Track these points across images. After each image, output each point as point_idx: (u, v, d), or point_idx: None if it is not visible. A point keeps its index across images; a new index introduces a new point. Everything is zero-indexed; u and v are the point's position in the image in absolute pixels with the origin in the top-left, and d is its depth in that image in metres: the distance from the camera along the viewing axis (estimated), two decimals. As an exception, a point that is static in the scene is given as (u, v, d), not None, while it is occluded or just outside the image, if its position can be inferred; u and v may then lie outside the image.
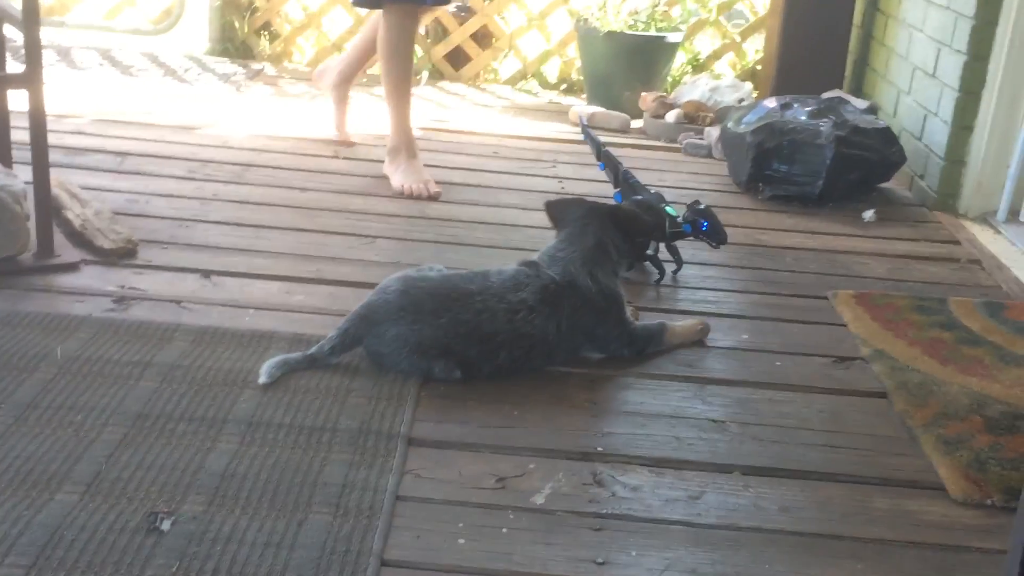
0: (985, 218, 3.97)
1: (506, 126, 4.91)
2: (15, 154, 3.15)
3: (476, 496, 2.03)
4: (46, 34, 2.93)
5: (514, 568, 1.84)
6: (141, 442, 2.09)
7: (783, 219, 3.89)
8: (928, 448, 2.31)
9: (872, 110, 4.45)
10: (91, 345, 2.45)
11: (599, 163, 3.59)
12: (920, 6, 4.41)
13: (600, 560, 1.88)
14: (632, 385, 2.54)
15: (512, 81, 5.84)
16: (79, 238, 3.03)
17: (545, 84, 5.84)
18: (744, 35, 5.85)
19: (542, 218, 2.85)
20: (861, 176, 4.12)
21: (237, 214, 3.45)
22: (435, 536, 1.90)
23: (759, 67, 5.66)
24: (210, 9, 5.81)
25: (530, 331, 2.47)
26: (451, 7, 5.73)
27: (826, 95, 4.61)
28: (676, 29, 5.36)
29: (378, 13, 3.88)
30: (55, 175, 3.05)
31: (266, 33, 5.85)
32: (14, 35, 3.01)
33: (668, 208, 3.15)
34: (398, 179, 3.83)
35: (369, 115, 4.80)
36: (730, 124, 4.35)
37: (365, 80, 5.37)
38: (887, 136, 4.18)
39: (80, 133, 4.15)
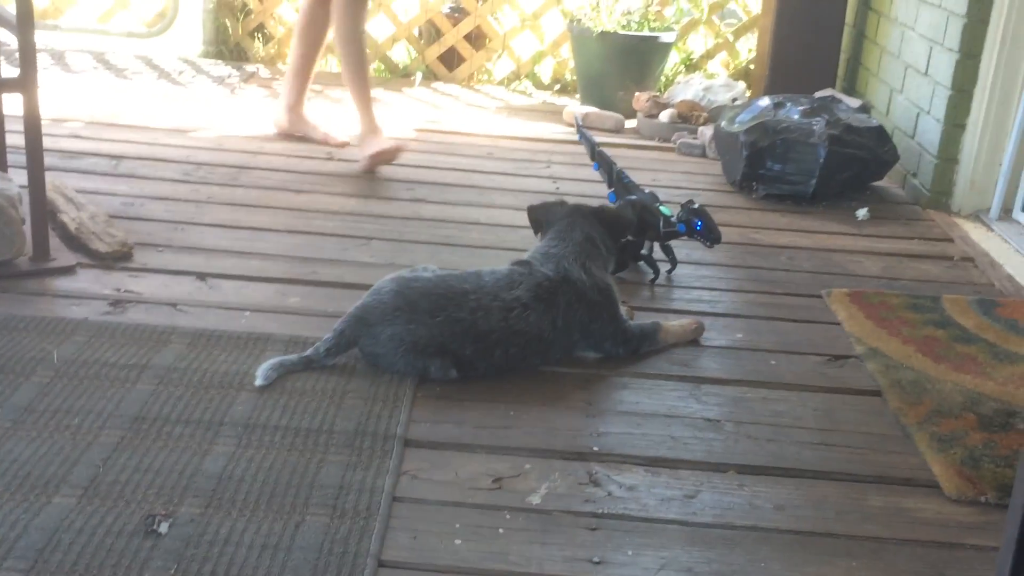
0: (978, 216, 3.98)
1: (500, 127, 4.91)
2: (10, 158, 3.15)
3: (472, 496, 2.04)
4: (40, 38, 2.94)
5: (510, 568, 1.84)
6: (138, 445, 2.09)
7: (777, 218, 3.90)
8: (922, 446, 2.32)
9: (865, 109, 4.47)
10: (87, 348, 2.45)
11: (593, 163, 3.60)
12: (912, 4, 4.42)
13: (596, 559, 1.88)
14: (627, 385, 2.55)
15: (506, 82, 5.85)
16: (75, 242, 3.04)
17: (539, 84, 5.85)
18: (737, 34, 5.87)
19: (536, 219, 2.87)
20: (854, 175, 4.13)
21: (232, 216, 3.45)
22: (432, 537, 1.91)
23: (752, 66, 5.67)
24: (203, 12, 5.81)
25: (525, 328, 2.48)
26: (445, 7, 5.74)
27: (819, 94, 4.63)
28: (669, 29, 5.37)
29: (297, 36, 4.26)
30: (50, 179, 3.06)
31: (260, 35, 5.86)
32: (8, 39, 3.01)
33: (662, 208, 3.16)
34: (320, 130, 4.32)
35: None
36: (723, 123, 4.36)
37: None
38: (880, 135, 4.19)
39: (75, 136, 4.15)
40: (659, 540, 1.95)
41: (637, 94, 5.08)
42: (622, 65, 5.19)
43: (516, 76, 5.85)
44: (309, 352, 2.45)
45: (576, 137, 4.11)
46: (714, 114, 4.87)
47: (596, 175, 3.64)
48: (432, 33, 5.83)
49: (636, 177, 3.44)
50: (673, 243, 3.21)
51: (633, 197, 3.23)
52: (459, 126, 4.86)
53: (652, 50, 5.28)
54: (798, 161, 4.05)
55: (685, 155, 4.69)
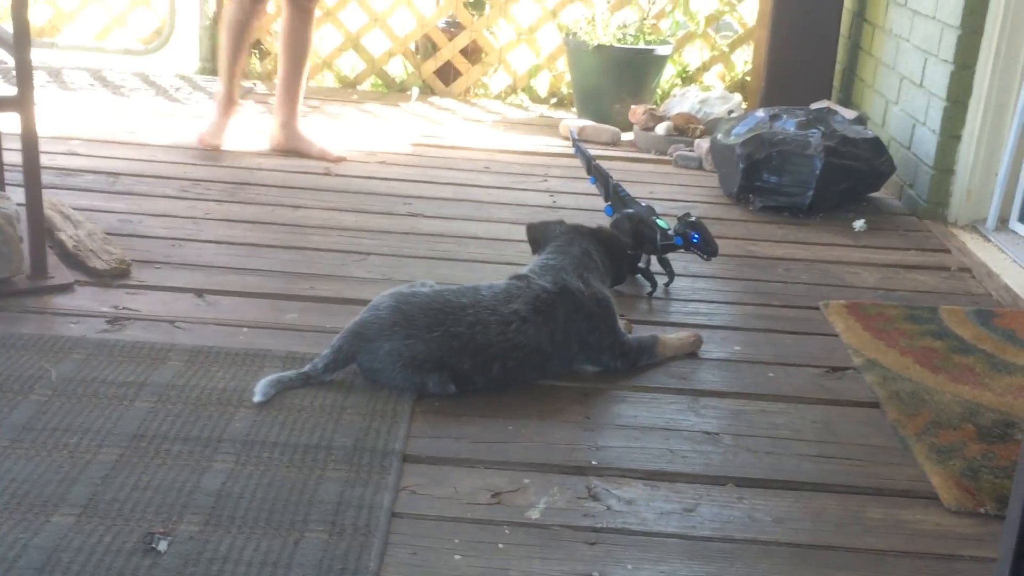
0: (975, 226, 3.99)
1: (497, 140, 4.92)
2: (7, 176, 3.16)
3: (471, 512, 2.04)
4: (37, 55, 2.94)
5: (510, 583, 1.84)
6: (136, 463, 2.09)
7: (774, 230, 3.91)
8: (921, 457, 2.32)
9: (861, 120, 4.48)
10: (85, 366, 2.45)
11: (590, 177, 3.61)
12: (907, 16, 4.44)
13: (596, 574, 1.88)
14: (625, 398, 2.55)
15: (502, 96, 5.86)
16: (72, 259, 3.04)
17: (535, 98, 5.86)
18: (732, 47, 5.89)
19: (534, 233, 2.87)
20: (851, 186, 4.14)
21: (230, 233, 3.45)
22: (431, 553, 1.91)
23: (748, 78, 5.69)
24: (200, 28, 5.82)
25: (523, 341, 2.48)
26: (441, 22, 5.75)
27: (815, 106, 4.64)
28: (665, 42, 5.39)
29: (280, 52, 4.48)
30: (48, 196, 3.06)
31: (256, 51, 5.86)
32: (4, 57, 3.02)
33: (659, 220, 3.17)
34: (316, 146, 4.37)
35: (360, 132, 4.82)
36: (720, 136, 4.37)
37: (356, 97, 5.41)
38: (876, 146, 4.20)
39: (72, 154, 4.15)
40: (658, 554, 1.95)
41: (633, 107, 5.09)
42: (618, 78, 5.20)
43: (512, 90, 5.86)
44: (307, 368, 2.45)
45: (572, 151, 4.11)
46: (710, 126, 4.88)
47: (593, 188, 3.65)
48: (428, 47, 5.84)
49: (633, 190, 3.45)
50: (670, 256, 3.21)
51: (630, 210, 3.23)
52: (456, 140, 4.86)
53: (648, 63, 5.29)
54: (794, 173, 4.05)
55: (681, 168, 4.69)
